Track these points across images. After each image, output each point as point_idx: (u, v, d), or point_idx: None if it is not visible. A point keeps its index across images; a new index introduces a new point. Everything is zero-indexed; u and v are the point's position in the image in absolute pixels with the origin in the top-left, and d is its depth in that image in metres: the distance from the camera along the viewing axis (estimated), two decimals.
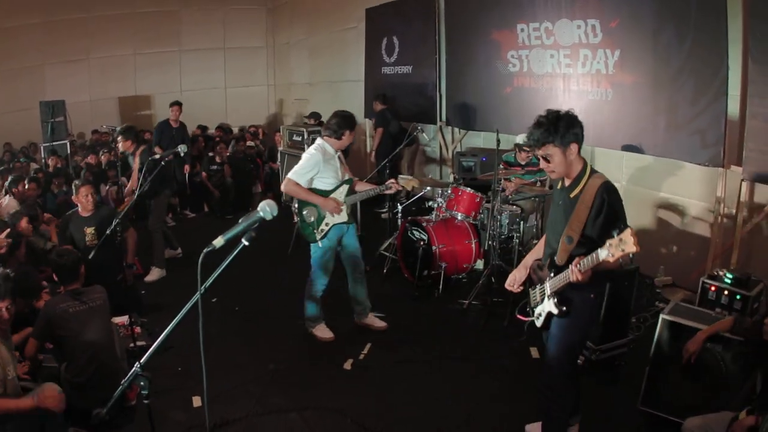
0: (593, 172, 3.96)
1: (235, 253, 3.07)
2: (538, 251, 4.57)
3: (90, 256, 6.74)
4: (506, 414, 5.19)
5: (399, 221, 8.62)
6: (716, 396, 4.42)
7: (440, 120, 11.85)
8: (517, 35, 9.26)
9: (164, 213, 9.58)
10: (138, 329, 6.55)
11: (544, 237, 4.49)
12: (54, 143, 13.15)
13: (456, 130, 11.73)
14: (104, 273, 6.55)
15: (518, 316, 4.53)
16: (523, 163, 8.25)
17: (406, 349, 6.38)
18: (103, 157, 13.16)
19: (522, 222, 7.67)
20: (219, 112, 18.43)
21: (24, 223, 7.34)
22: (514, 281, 4.53)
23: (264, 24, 19.50)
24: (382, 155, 11.22)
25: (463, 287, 7.89)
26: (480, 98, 10.50)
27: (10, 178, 9.64)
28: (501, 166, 7.68)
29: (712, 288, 5.64)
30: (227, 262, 3.04)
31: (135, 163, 8.56)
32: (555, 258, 4.07)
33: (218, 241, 3.06)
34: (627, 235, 3.29)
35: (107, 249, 6.61)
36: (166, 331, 3.07)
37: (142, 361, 3.07)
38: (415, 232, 7.97)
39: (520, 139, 8.10)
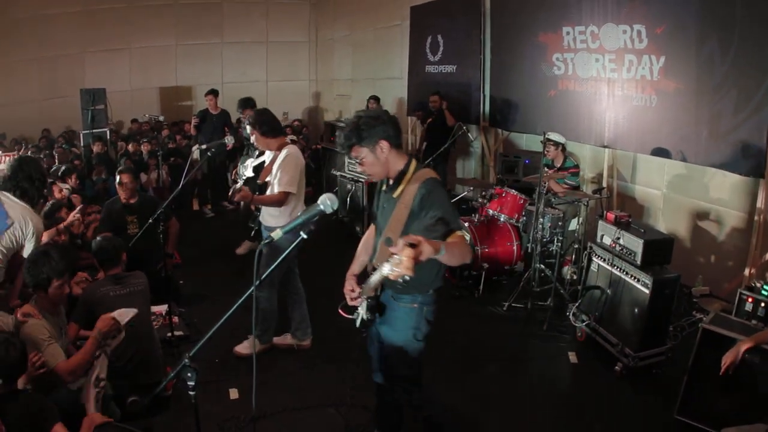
0: (419, 169, 3.77)
1: (293, 246, 3.10)
2: (363, 254, 4.24)
3: (130, 244, 6.81)
4: (541, 417, 5.23)
5: None
6: (752, 408, 4.41)
7: (483, 120, 11.82)
8: (563, 38, 9.24)
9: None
10: (176, 319, 6.61)
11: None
12: (94, 131, 13.21)
13: (498, 130, 11.71)
14: (144, 261, 6.61)
15: (341, 312, 4.14)
16: (557, 165, 8.18)
17: (444, 348, 6.36)
18: (144, 146, 13.28)
19: (562, 226, 7.65)
20: (260, 106, 18.23)
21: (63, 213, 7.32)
22: (350, 295, 3.99)
23: (307, 19, 19.51)
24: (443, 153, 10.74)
25: (503, 289, 7.88)
26: (524, 100, 10.49)
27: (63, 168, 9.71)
28: (546, 170, 7.64)
29: (749, 299, 5.55)
30: (285, 254, 3.08)
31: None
32: (374, 261, 3.91)
33: (277, 234, 3.07)
34: (407, 254, 2.93)
35: (148, 237, 6.62)
36: (218, 323, 3.09)
37: (191, 353, 3.06)
38: None
39: (554, 136, 8.08)
